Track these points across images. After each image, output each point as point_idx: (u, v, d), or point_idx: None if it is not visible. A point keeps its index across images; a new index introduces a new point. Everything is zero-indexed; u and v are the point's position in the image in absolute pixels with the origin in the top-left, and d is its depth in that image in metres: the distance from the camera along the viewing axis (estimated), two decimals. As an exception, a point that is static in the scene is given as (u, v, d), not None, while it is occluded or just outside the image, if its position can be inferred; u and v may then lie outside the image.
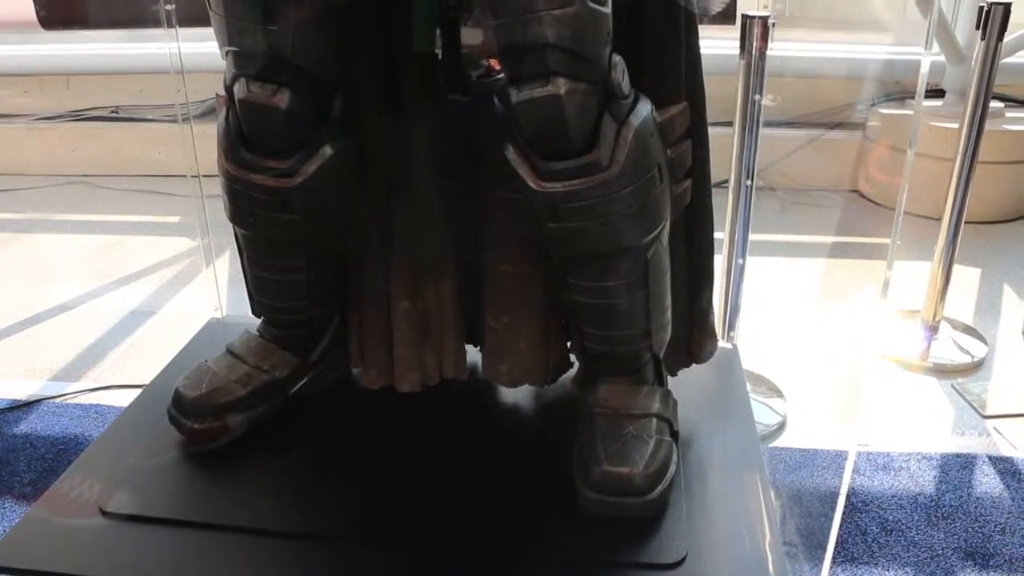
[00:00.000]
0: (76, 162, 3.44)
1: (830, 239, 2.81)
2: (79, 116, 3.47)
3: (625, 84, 0.96)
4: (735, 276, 1.49)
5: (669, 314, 1.10)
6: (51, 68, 3.34)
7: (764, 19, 1.49)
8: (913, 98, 3.03)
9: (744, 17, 1.50)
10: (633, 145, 0.95)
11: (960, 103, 2.74)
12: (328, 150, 1.04)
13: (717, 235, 1.44)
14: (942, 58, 2.93)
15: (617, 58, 0.95)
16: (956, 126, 2.11)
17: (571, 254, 1.02)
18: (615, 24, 0.93)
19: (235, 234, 1.18)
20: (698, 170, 1.09)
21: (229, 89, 1.03)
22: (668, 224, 1.04)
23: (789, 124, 3.04)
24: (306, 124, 1.02)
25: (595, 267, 1.02)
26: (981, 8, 1.94)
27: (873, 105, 3.06)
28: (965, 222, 2.14)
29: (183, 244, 2.74)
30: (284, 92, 0.98)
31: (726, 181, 1.68)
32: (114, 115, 3.44)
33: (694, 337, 1.23)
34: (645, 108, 0.98)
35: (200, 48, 1.53)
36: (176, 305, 2.37)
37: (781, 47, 2.78)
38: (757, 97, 1.36)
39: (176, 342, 1.46)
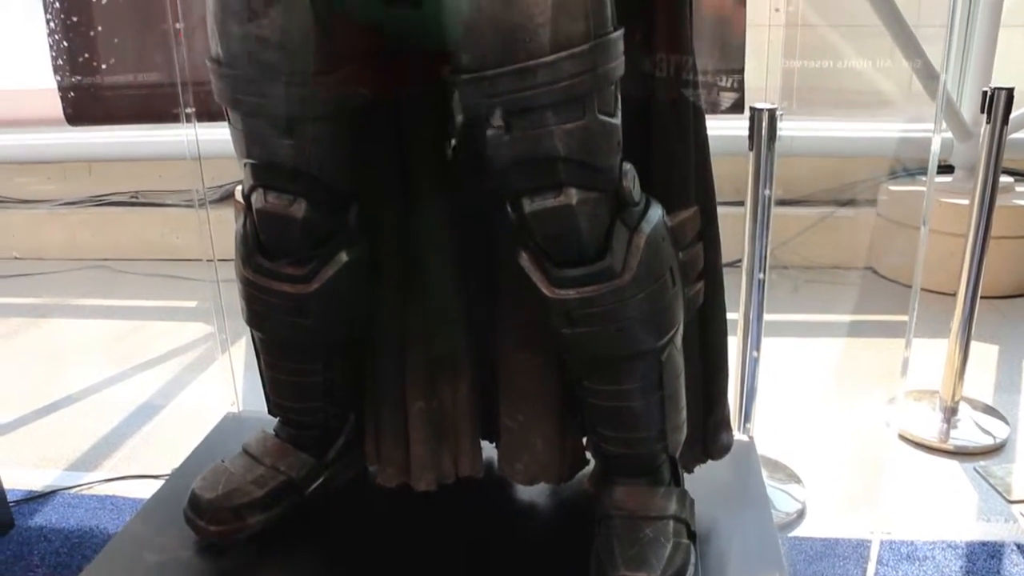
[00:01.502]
0: (96, 246, 3.50)
1: (845, 318, 2.80)
2: (100, 201, 3.54)
3: (636, 191, 0.98)
4: (749, 368, 1.49)
5: (684, 414, 1.10)
6: (74, 156, 3.42)
7: (772, 111, 1.52)
8: (923, 174, 3.07)
9: (752, 110, 1.53)
10: (645, 251, 0.96)
11: (969, 179, 2.77)
12: (344, 257, 1.06)
13: (731, 316, 1.44)
14: (950, 134, 2.96)
15: (627, 166, 0.97)
16: (967, 202, 2.13)
17: (585, 358, 1.03)
18: (624, 127, 0.95)
19: (252, 336, 1.19)
20: (710, 270, 1.10)
21: (247, 198, 1.05)
22: (681, 326, 1.05)
23: (800, 203, 3.06)
24: (322, 232, 1.04)
25: (609, 371, 1.02)
26: (985, 92, 1.97)
27: (883, 182, 3.09)
28: (981, 297, 2.14)
29: (200, 329, 2.76)
30: (301, 202, 1.00)
31: (739, 261, 1.69)
32: (134, 200, 3.51)
33: (710, 433, 1.23)
34: (656, 213, 1.00)
35: (217, 135, 1.58)
36: (192, 393, 2.38)
37: (790, 126, 2.83)
38: (767, 192, 1.38)
39: (192, 433, 1.47)
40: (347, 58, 0.94)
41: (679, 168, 1.06)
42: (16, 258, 3.55)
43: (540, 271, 0.97)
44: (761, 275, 1.42)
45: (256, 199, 1.02)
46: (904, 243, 2.92)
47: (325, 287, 1.06)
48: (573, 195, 0.91)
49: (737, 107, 1.83)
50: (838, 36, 2.97)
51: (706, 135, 1.13)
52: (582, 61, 0.86)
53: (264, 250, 1.06)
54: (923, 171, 3.06)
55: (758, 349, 1.47)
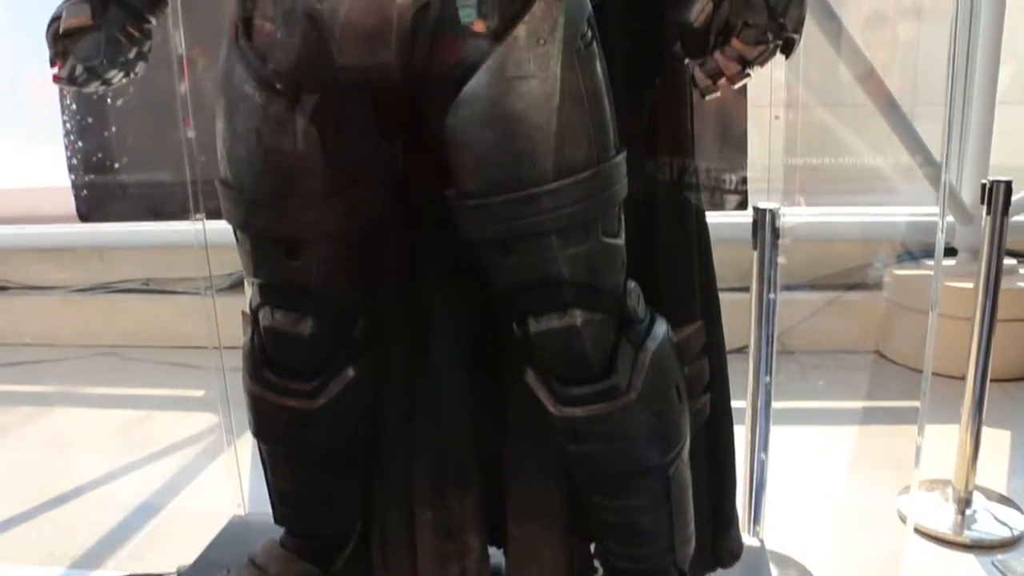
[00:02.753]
0: (107, 333, 3.52)
1: (854, 404, 2.79)
2: (111, 288, 3.57)
3: (640, 308, 0.99)
4: (758, 469, 1.48)
5: (692, 527, 1.09)
6: (87, 244, 3.47)
7: (774, 213, 1.54)
8: (928, 258, 3.09)
9: (755, 210, 1.55)
10: (651, 369, 0.97)
11: (973, 261, 2.77)
12: (351, 372, 1.07)
13: (740, 404, 1.44)
14: (952, 218, 2.99)
15: (632, 284, 0.98)
16: (971, 285, 2.13)
17: (592, 474, 1.03)
18: (628, 243, 0.97)
19: (259, 448, 1.19)
20: (716, 383, 1.11)
21: (254, 313, 1.07)
22: (688, 440, 1.05)
23: (806, 287, 3.07)
24: (329, 348, 1.05)
25: (617, 487, 1.02)
26: (984, 185, 1.99)
27: (888, 266, 3.10)
28: (990, 380, 2.12)
29: (207, 420, 2.75)
30: (308, 320, 1.02)
31: (745, 347, 1.69)
32: (145, 287, 3.54)
33: (719, 541, 1.21)
34: (661, 329, 1.01)
35: (226, 224, 1.61)
36: (200, 487, 2.37)
37: (794, 211, 2.86)
38: (772, 296, 1.39)
39: (198, 532, 1.46)
40: (354, 180, 0.97)
41: (683, 283, 1.07)
42: (28, 344, 3.56)
43: (546, 388, 0.98)
44: (768, 378, 1.42)
45: (263, 316, 1.04)
46: (911, 327, 2.91)
47: (332, 402, 1.06)
48: (578, 316, 0.93)
49: (741, 204, 1.86)
50: (837, 120, 3.03)
51: (709, 246, 1.15)
52: (585, 187, 0.89)
53: (271, 364, 1.07)
54: (928, 254, 3.09)
55: (766, 451, 1.46)
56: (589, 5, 0.92)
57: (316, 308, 1.02)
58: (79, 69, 1.04)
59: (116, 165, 2.33)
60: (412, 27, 0.86)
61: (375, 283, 1.07)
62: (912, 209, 3.11)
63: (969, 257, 3.00)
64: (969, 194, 3.01)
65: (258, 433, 1.14)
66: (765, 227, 1.48)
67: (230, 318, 1.45)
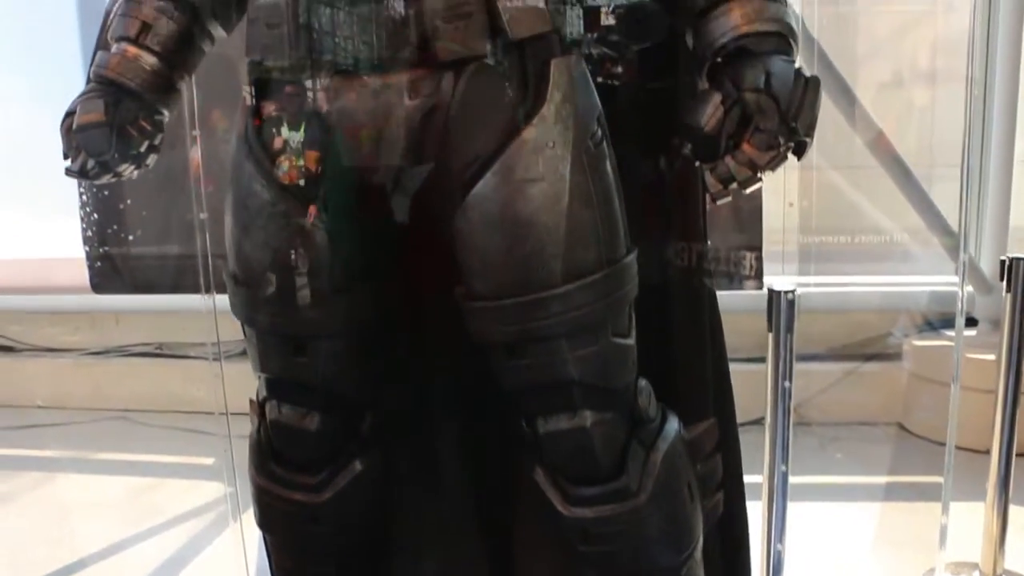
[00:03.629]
0: (118, 397, 3.51)
1: (875, 480, 2.72)
2: (125, 352, 3.57)
3: (651, 407, 0.97)
4: (774, 561, 1.44)
5: (708, 628, 1.05)
6: (102, 307, 3.48)
7: (791, 292, 1.51)
8: (946, 327, 3.05)
9: (769, 291, 1.53)
10: (662, 470, 0.94)
11: (994, 332, 2.73)
12: (358, 466, 1.05)
13: (755, 479, 1.40)
14: (971, 287, 2.95)
15: (643, 383, 0.96)
16: (993, 357, 2.09)
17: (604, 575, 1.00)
18: (639, 342, 0.95)
19: (264, 538, 1.17)
20: (730, 479, 1.08)
21: (261, 405, 1.05)
22: (701, 540, 1.02)
23: (823, 357, 3.03)
24: (336, 442, 1.03)
25: (628, 589, 0.99)
26: (1002, 261, 1.97)
27: (907, 336, 3.06)
28: (1016, 455, 2.07)
29: (216, 489, 2.72)
30: (314, 415, 1.00)
31: (761, 419, 1.65)
32: (158, 352, 3.54)
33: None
34: (672, 427, 0.98)
35: None
36: (206, 559, 2.33)
37: (810, 280, 2.84)
38: (787, 384, 1.36)
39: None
40: (361, 278, 0.96)
41: (696, 378, 1.05)
42: (39, 407, 3.56)
43: (555, 488, 0.96)
44: (784, 467, 1.38)
45: (270, 410, 1.02)
46: (932, 399, 2.86)
47: (339, 496, 1.04)
48: (587, 417, 0.91)
49: (756, 283, 1.83)
50: (852, 187, 3.02)
51: (722, 334, 1.13)
52: (596, 290, 0.87)
53: (278, 457, 1.06)
54: (948, 324, 3.05)
55: (782, 541, 1.42)
56: (599, 104, 0.92)
57: (323, 403, 1.00)
58: (91, 163, 1.05)
59: (131, 237, 2.35)
60: (421, 128, 0.86)
61: (383, 378, 1.05)
62: (930, 278, 3.08)
63: (990, 328, 2.96)
64: (988, 263, 2.98)
65: (263, 524, 1.12)
66: (781, 309, 1.45)
67: (239, 384, 1.44)
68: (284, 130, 0.91)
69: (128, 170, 1.08)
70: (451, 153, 0.87)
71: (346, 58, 0.91)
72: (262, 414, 1.05)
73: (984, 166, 3.03)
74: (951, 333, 3.03)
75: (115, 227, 2.34)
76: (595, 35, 1.19)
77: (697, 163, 0.94)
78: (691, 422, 1.01)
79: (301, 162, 0.90)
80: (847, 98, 2.66)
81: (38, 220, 3.13)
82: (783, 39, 0.99)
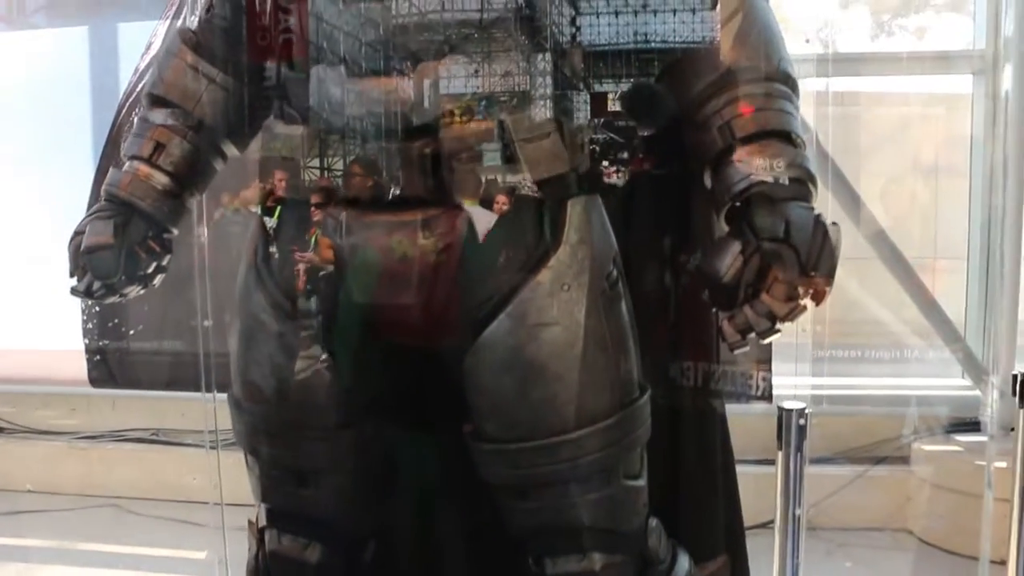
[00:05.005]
0: (111, 484, 3.44)
1: (885, 592, 2.65)
2: (119, 437, 3.52)
3: (663, 547, 0.93)
4: None
5: None
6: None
7: (801, 412, 1.48)
8: (955, 431, 3.00)
9: (780, 410, 1.50)
10: (673, 614, 0.90)
11: (1005, 437, 2.69)
12: (358, 598, 1.00)
13: None
14: (978, 392, 2.92)
15: (654, 522, 0.93)
16: (1006, 464, 2.04)
17: None
18: (649, 462, 0.92)
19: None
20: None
21: (260, 532, 1.02)
22: None
23: (831, 460, 2.98)
24: (338, 574, 1.00)
25: None
26: (1015, 376, 1.94)
27: (916, 439, 3.02)
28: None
29: (207, 586, 2.64)
30: (316, 546, 0.97)
31: (770, 522, 1.60)
32: (154, 438, 3.49)
33: None
34: (683, 567, 0.95)
35: None
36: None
37: (819, 382, 2.80)
38: (798, 512, 1.32)
39: None
40: (368, 412, 0.94)
41: (708, 516, 1.02)
42: (29, 491, 3.48)
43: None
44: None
45: (270, 539, 0.99)
46: (942, 506, 2.80)
47: None
48: (597, 560, 0.87)
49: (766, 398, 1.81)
50: (860, 286, 3.01)
51: (733, 462, 1.10)
52: (608, 435, 0.85)
53: None
54: (957, 427, 3.01)
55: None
56: (615, 244, 0.91)
57: (326, 535, 0.97)
58: (96, 284, 1.04)
59: (131, 332, 2.33)
60: (434, 267, 0.85)
61: (387, 509, 1.02)
62: (940, 381, 3.06)
63: (1001, 433, 2.91)
64: (1000, 368, 2.95)
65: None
66: (791, 429, 1.42)
67: (236, 474, 1.40)
68: (294, 260, 0.90)
69: (134, 291, 1.07)
70: (464, 292, 0.86)
71: (361, 193, 0.91)
72: (261, 540, 1.01)
73: (991, 262, 3.03)
74: (961, 438, 2.99)
75: (115, 321, 2.32)
76: (601, 120, 1.20)
77: (714, 310, 0.93)
78: (702, 559, 0.98)
79: (312, 296, 0.88)
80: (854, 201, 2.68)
81: (39, 310, 3.13)
82: (802, 185, 1.00)
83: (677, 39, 1.31)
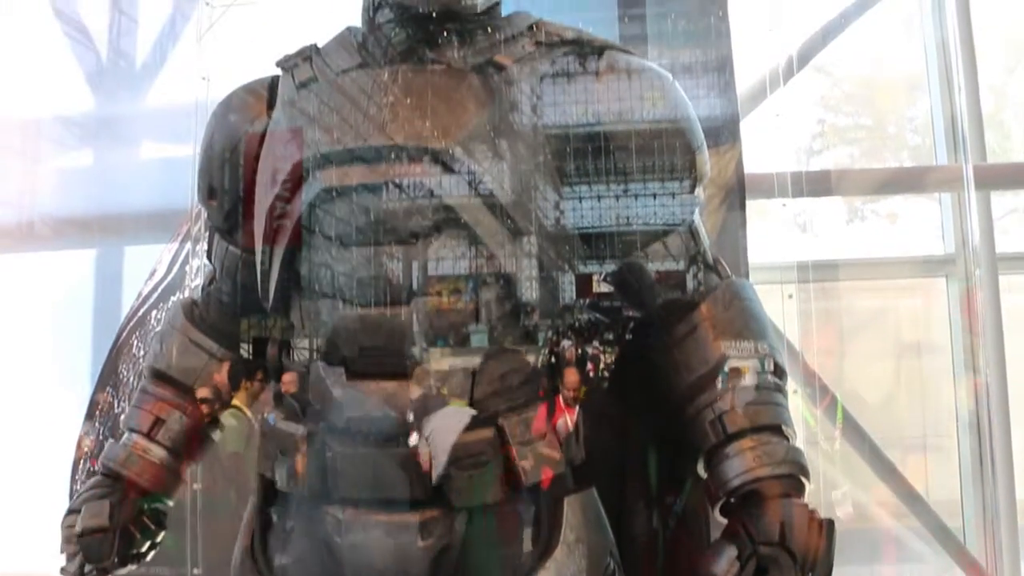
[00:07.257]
0: None
1: None
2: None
3: None
4: None
5: None
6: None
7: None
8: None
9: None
10: None
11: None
12: None
13: None
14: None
15: None
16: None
17: None
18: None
19: None
20: None
21: None
22: None
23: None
24: None
25: None
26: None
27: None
28: None
29: None
30: None
31: None
32: None
33: None
34: None
35: None
36: None
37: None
38: None
39: None
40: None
41: None
42: None
43: None
44: None
45: None
46: None
47: None
48: None
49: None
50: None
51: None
52: None
53: None
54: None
55: None
56: (612, 538, 0.92)
57: None
58: (87, 567, 1.04)
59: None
60: (432, 569, 0.85)
61: None
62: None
63: (1011, 640, 2.80)
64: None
65: None
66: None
67: None
68: (292, 554, 0.90)
69: (125, 572, 1.06)
70: (466, 587, 0.86)
71: (359, 493, 0.91)
72: None
73: (982, 440, 2.99)
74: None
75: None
76: (587, 301, 1.20)
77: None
78: None
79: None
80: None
81: (33, 531, 3.06)
82: (795, 480, 1.01)
83: (659, 221, 1.30)
